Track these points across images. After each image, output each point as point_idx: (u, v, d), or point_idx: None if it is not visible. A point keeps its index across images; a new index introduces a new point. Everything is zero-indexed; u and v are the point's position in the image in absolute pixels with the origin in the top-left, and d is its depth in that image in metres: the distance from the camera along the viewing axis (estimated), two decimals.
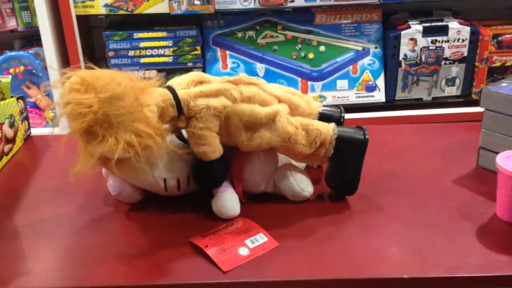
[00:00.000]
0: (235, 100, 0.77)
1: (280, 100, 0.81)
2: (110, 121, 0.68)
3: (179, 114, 0.75)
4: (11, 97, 1.04)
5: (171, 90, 0.76)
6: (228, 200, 0.79)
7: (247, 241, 0.74)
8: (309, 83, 1.91)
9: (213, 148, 0.77)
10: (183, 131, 0.81)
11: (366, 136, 0.80)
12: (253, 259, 0.71)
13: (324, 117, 0.86)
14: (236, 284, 0.68)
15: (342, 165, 0.81)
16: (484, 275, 0.68)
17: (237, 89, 0.78)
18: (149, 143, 0.71)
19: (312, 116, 0.85)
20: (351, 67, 1.91)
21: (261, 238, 0.75)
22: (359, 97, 1.92)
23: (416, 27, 1.83)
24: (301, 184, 0.83)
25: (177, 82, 0.79)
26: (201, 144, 0.76)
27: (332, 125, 0.81)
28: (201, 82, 0.79)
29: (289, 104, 0.81)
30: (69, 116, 0.68)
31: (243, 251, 0.72)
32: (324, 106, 0.88)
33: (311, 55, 1.91)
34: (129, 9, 1.77)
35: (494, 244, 0.73)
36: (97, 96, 0.68)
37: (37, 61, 1.84)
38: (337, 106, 0.89)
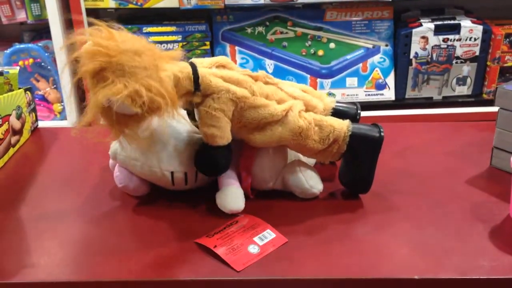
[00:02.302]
0: (254, 93, 0.76)
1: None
2: (123, 69, 0.67)
3: (195, 89, 0.74)
4: (19, 88, 1.03)
5: (192, 65, 0.75)
6: (232, 195, 0.78)
7: (255, 239, 0.73)
8: (318, 80, 1.90)
9: (222, 133, 0.75)
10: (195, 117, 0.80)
11: (382, 134, 0.79)
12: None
13: (339, 113, 0.84)
14: (246, 281, 0.67)
15: (356, 162, 0.80)
16: (497, 277, 0.67)
17: (257, 84, 0.77)
18: (158, 100, 0.68)
19: (325, 112, 0.84)
20: (361, 64, 1.90)
21: (269, 234, 0.74)
22: (369, 95, 1.91)
23: (427, 25, 1.82)
24: (311, 181, 0.81)
25: (200, 60, 0.78)
26: (212, 125, 0.75)
27: (346, 122, 0.79)
28: (223, 66, 0.78)
29: (306, 106, 0.80)
30: (85, 54, 0.67)
31: (253, 249, 0.71)
32: (340, 102, 0.87)
33: (320, 52, 1.89)
34: (139, 3, 1.76)
35: (507, 246, 0.72)
36: (117, 45, 0.67)
37: (46, 54, 1.84)
38: (353, 103, 0.88)
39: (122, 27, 0.71)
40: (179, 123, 0.81)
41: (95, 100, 0.67)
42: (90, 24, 0.70)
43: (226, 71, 0.77)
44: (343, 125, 0.79)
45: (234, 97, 0.75)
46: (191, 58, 0.78)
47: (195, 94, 0.74)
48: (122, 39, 0.68)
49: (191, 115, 0.81)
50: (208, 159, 0.77)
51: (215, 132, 0.75)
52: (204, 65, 0.77)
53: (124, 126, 0.71)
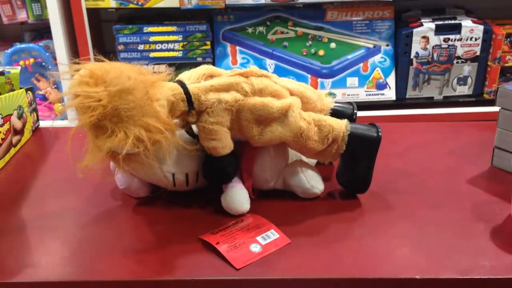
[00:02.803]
0: (246, 93, 0.76)
1: (291, 93, 0.80)
2: (120, 115, 0.67)
3: (190, 108, 0.74)
4: (20, 88, 1.03)
5: (182, 84, 0.75)
6: (237, 196, 0.78)
7: (258, 238, 0.73)
8: (319, 80, 1.90)
9: (224, 144, 0.76)
10: (193, 127, 0.80)
11: (379, 134, 0.79)
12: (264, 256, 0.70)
13: (336, 113, 0.85)
14: (246, 281, 0.67)
15: (354, 162, 0.80)
16: (498, 277, 0.67)
17: (248, 82, 0.76)
18: (158, 138, 0.70)
19: (324, 112, 0.84)
20: (361, 64, 1.90)
21: (272, 234, 0.74)
22: (369, 95, 1.91)
23: (428, 25, 1.81)
24: (312, 181, 0.81)
25: (187, 76, 0.78)
26: (212, 139, 0.75)
27: (344, 122, 0.79)
28: (211, 76, 0.78)
29: (301, 97, 0.80)
30: (77, 109, 0.68)
31: (255, 248, 0.71)
32: (336, 102, 0.87)
33: (321, 52, 1.89)
34: (139, 3, 1.76)
35: (508, 246, 0.71)
36: (106, 89, 0.67)
37: (47, 54, 1.84)
38: (349, 102, 0.88)
39: (102, 58, 0.71)
40: None
41: (98, 150, 0.68)
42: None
43: (215, 80, 0.76)
44: (341, 125, 0.79)
45: (227, 105, 0.75)
46: (177, 76, 0.78)
47: (190, 113, 0.75)
48: (109, 77, 0.67)
49: (189, 133, 0.81)
50: (215, 170, 0.78)
51: (216, 145, 0.75)
52: (192, 80, 0.77)
53: (129, 161, 0.72)
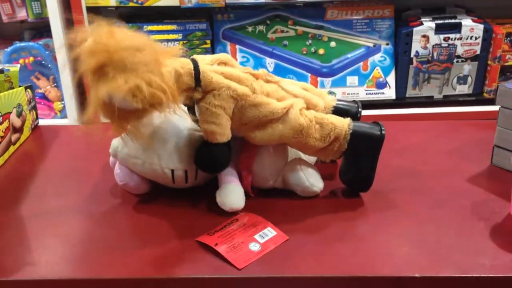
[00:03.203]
0: (254, 91, 0.76)
1: None
2: (124, 65, 0.66)
3: (196, 85, 0.74)
4: (19, 86, 1.03)
5: (193, 61, 0.75)
6: (232, 192, 0.78)
7: (256, 236, 0.73)
8: (319, 79, 1.90)
9: (222, 131, 0.75)
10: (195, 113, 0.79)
11: (383, 132, 0.79)
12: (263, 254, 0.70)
13: (340, 111, 0.84)
14: (247, 279, 0.67)
15: (357, 161, 0.80)
16: (498, 275, 0.67)
17: (258, 82, 0.77)
18: (159, 95, 0.68)
19: (326, 110, 0.84)
20: (361, 63, 1.90)
21: (270, 232, 0.74)
22: (369, 94, 1.91)
23: (428, 24, 1.81)
24: (311, 179, 0.81)
25: (201, 57, 0.78)
26: (212, 122, 0.75)
27: (347, 120, 0.79)
28: (225, 63, 0.78)
29: (307, 104, 0.80)
30: (85, 52, 0.67)
31: (254, 247, 0.71)
32: (340, 100, 0.87)
33: (321, 51, 1.89)
34: (139, 1, 1.76)
35: (508, 244, 0.71)
36: (117, 42, 0.67)
37: (46, 52, 1.84)
38: (354, 101, 0.88)
39: (123, 24, 0.71)
40: (179, 120, 0.81)
41: (96, 96, 0.67)
42: (90, 22, 0.70)
43: (228, 68, 0.77)
44: (344, 123, 0.79)
45: (235, 94, 0.75)
46: (192, 55, 0.78)
47: (196, 90, 0.74)
48: (123, 36, 0.68)
49: (191, 109, 0.81)
50: (207, 157, 0.77)
51: (215, 129, 0.75)
52: (206, 61, 0.77)
53: (125, 121, 0.71)
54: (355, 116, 0.84)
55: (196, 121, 0.79)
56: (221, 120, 0.75)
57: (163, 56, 0.71)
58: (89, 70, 0.67)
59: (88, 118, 0.68)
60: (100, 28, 0.68)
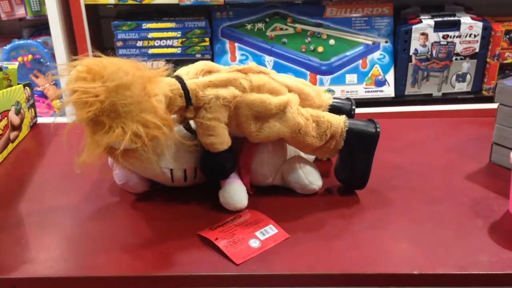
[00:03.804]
0: (244, 89, 0.75)
1: (290, 90, 0.80)
2: (117, 110, 0.67)
3: (188, 104, 0.74)
4: (18, 84, 1.03)
5: (179, 79, 0.74)
6: (235, 192, 0.78)
7: (257, 233, 0.73)
8: (318, 76, 1.89)
9: (221, 140, 0.76)
10: (191, 122, 0.80)
11: (378, 129, 0.79)
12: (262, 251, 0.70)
13: (334, 109, 0.84)
14: (245, 276, 0.67)
15: (352, 158, 0.80)
16: (496, 272, 0.67)
17: (247, 78, 0.76)
18: (156, 134, 0.70)
19: (322, 108, 0.84)
20: (360, 61, 1.89)
21: (271, 229, 0.74)
22: (368, 91, 1.90)
23: (427, 22, 1.81)
24: (310, 177, 0.81)
25: (185, 71, 0.78)
26: (209, 135, 0.75)
27: (343, 117, 0.79)
28: (209, 72, 0.78)
29: (299, 94, 0.80)
30: (75, 105, 0.67)
31: (254, 243, 0.71)
32: (335, 98, 0.87)
33: (320, 49, 1.89)
34: None
35: (506, 242, 0.72)
36: (104, 85, 0.66)
37: (45, 50, 1.84)
38: (348, 98, 0.88)
39: (99, 54, 0.70)
40: None
41: (96, 145, 0.68)
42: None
43: (213, 76, 0.76)
44: (340, 121, 0.79)
45: (225, 101, 0.74)
46: (176, 71, 0.78)
47: (188, 108, 0.74)
48: (106, 72, 0.67)
49: (187, 129, 0.81)
50: (213, 165, 0.78)
51: (213, 140, 0.75)
52: (190, 76, 0.77)
53: (127, 157, 0.72)
54: (349, 114, 0.85)
55: (196, 135, 0.79)
56: (218, 131, 0.75)
57: (150, 83, 0.70)
58: (83, 123, 0.68)
59: (87, 161, 0.69)
60: (81, 70, 0.67)
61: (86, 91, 0.66)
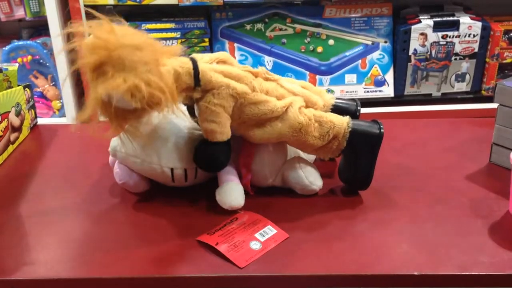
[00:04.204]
0: (254, 89, 0.76)
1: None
2: (123, 64, 0.66)
3: (196, 85, 0.74)
4: (18, 85, 1.03)
5: (193, 60, 0.75)
6: (232, 191, 0.78)
7: (257, 235, 0.73)
8: (317, 77, 1.89)
9: (222, 129, 0.75)
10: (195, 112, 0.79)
11: (382, 130, 0.79)
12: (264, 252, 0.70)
13: (339, 109, 0.84)
14: (246, 277, 0.67)
15: (356, 159, 0.80)
16: (496, 273, 0.67)
17: (257, 80, 0.77)
18: (157, 95, 0.68)
19: (325, 108, 0.84)
20: (360, 61, 1.90)
21: (270, 230, 0.74)
22: (368, 91, 1.90)
23: (426, 22, 1.81)
24: (310, 177, 0.81)
25: (200, 56, 0.78)
26: (212, 121, 0.75)
27: (346, 118, 0.79)
28: (224, 62, 0.78)
29: (306, 102, 0.80)
30: (85, 47, 0.67)
31: (255, 245, 0.71)
32: (340, 99, 0.87)
33: (319, 49, 1.89)
34: (137, 0, 1.76)
35: (506, 242, 0.72)
36: (117, 39, 0.67)
37: (44, 51, 1.84)
38: (353, 99, 0.88)
39: (123, 21, 0.71)
40: (179, 119, 0.81)
41: (94, 94, 0.67)
42: (91, 17, 0.70)
43: (227, 67, 0.77)
44: (343, 121, 0.79)
45: (234, 92, 0.74)
46: (191, 54, 0.78)
47: (195, 89, 0.74)
48: (123, 33, 0.68)
49: (190, 110, 0.81)
50: (207, 155, 0.77)
51: (214, 128, 0.75)
52: (205, 60, 0.77)
53: (123, 121, 0.71)
54: (354, 115, 0.84)
55: (196, 122, 0.79)
56: (221, 119, 0.75)
57: (162, 55, 0.71)
58: (87, 66, 0.67)
59: (86, 117, 0.68)
60: (101, 24, 0.68)
61: (99, 37, 0.67)
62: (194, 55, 0.77)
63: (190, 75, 0.73)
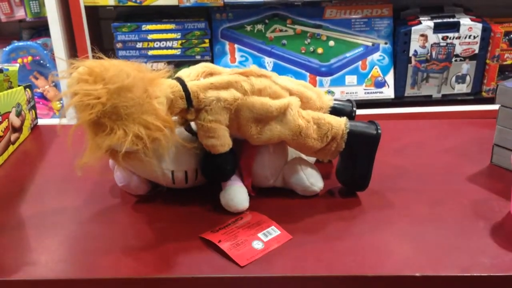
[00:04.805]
0: (245, 92, 0.75)
1: (291, 93, 0.80)
2: (119, 113, 0.67)
3: (189, 106, 0.74)
4: (19, 85, 1.03)
5: (181, 81, 0.74)
6: (237, 194, 0.78)
7: (260, 235, 0.73)
8: (317, 78, 1.89)
9: (222, 142, 0.76)
10: (192, 124, 0.80)
11: (379, 131, 0.79)
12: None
13: (335, 111, 0.84)
14: (247, 278, 0.67)
15: (353, 160, 0.80)
16: (498, 274, 0.67)
17: (248, 81, 0.76)
18: (157, 136, 0.70)
19: (323, 110, 0.84)
20: (360, 62, 1.90)
21: (273, 231, 0.74)
22: (368, 93, 1.90)
23: (427, 23, 1.81)
24: (311, 179, 0.81)
25: (186, 73, 0.78)
26: (210, 137, 0.75)
27: (344, 119, 0.79)
28: (211, 74, 0.78)
29: (300, 97, 0.80)
30: (76, 107, 0.67)
31: (257, 245, 0.71)
32: (335, 100, 0.87)
33: (320, 50, 1.89)
34: (138, 1, 1.76)
35: (508, 243, 0.72)
36: (105, 87, 0.66)
37: (45, 52, 1.84)
38: (348, 100, 0.88)
39: (101, 56, 0.70)
40: None
41: (97, 147, 0.68)
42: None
43: (215, 78, 0.76)
44: (340, 123, 0.79)
45: (226, 104, 0.74)
46: (176, 73, 0.78)
47: (189, 110, 0.74)
48: (108, 74, 0.67)
49: (187, 129, 0.81)
50: (213, 167, 0.78)
51: (214, 142, 0.75)
52: (191, 77, 0.77)
53: (128, 159, 0.72)
54: (350, 115, 0.85)
55: (196, 136, 0.79)
56: (219, 133, 0.75)
57: (151, 83, 0.71)
58: (84, 125, 0.68)
59: (88, 163, 0.69)
60: (81, 70, 0.67)
61: (88, 93, 0.66)
62: (179, 73, 0.77)
63: (182, 99, 0.73)
